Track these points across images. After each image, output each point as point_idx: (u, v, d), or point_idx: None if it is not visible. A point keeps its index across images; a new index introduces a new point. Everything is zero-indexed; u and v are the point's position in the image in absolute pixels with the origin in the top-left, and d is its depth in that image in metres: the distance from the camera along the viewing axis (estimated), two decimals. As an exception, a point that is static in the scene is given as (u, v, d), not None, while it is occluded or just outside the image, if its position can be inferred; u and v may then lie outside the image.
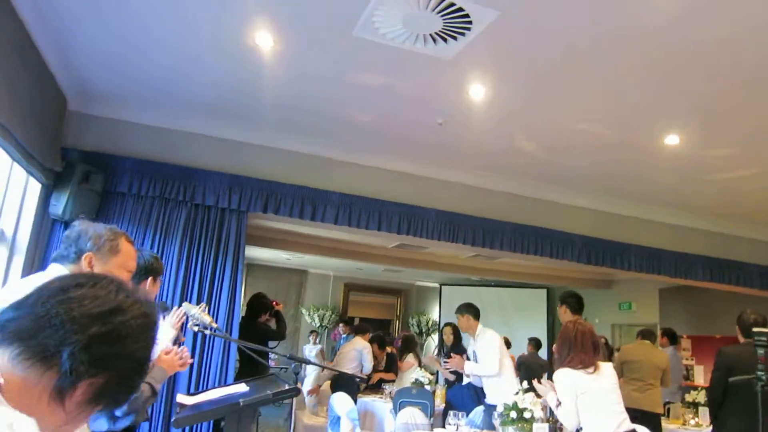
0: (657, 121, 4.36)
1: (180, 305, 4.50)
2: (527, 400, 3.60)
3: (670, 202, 6.35)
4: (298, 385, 6.30)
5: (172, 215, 4.80)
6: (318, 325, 11.97)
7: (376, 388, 6.94)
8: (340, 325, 11.26)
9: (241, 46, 3.60)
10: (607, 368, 3.16)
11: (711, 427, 4.04)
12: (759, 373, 2.75)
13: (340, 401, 4.97)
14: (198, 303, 4.60)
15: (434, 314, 13.00)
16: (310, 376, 8.36)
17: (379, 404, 6.22)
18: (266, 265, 11.80)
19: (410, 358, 7.48)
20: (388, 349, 7.25)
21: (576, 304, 4.58)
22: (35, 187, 4.18)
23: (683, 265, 6.61)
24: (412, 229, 5.53)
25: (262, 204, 5.04)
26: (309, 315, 12.06)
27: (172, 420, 2.23)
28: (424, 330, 12.89)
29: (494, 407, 4.14)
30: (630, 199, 6.30)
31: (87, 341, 0.85)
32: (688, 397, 5.50)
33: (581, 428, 2.98)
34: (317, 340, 10.76)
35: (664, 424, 5.41)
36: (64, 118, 4.52)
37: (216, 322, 4.57)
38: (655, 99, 4.00)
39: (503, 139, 4.93)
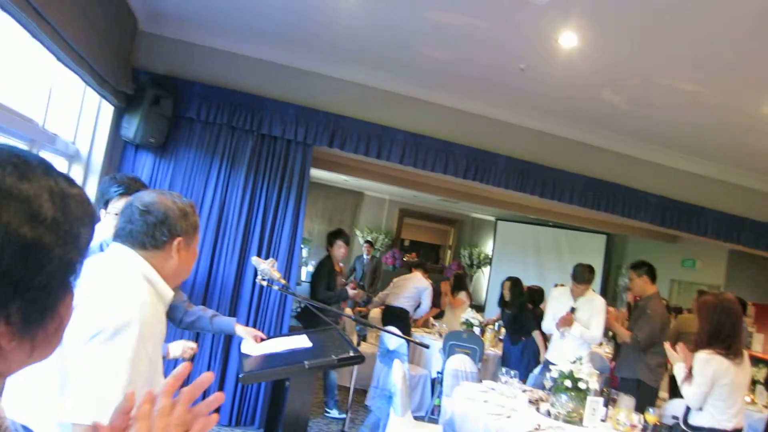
0: (765, 85, 3.93)
1: (247, 252, 4.57)
2: (584, 371, 3.51)
3: (760, 168, 5.85)
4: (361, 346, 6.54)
5: (239, 144, 4.77)
6: (371, 247, 12.12)
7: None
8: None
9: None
10: (746, 357, 3.01)
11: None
12: None
13: (392, 336, 5.05)
14: (261, 236, 4.68)
15: (487, 248, 12.91)
16: None
17: (429, 341, 6.33)
18: (324, 183, 11.87)
19: (462, 296, 7.51)
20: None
21: (653, 273, 4.43)
22: (108, 110, 4.20)
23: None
24: (479, 175, 5.33)
25: (328, 138, 4.93)
26: (363, 237, 12.21)
27: (240, 377, 2.29)
28: (475, 263, 12.87)
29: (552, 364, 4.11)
30: (716, 162, 5.84)
31: None
32: (749, 373, 5.28)
33: (700, 408, 2.91)
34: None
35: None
36: (135, 39, 4.46)
37: (278, 261, 4.66)
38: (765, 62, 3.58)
39: (588, 89, 4.58)
